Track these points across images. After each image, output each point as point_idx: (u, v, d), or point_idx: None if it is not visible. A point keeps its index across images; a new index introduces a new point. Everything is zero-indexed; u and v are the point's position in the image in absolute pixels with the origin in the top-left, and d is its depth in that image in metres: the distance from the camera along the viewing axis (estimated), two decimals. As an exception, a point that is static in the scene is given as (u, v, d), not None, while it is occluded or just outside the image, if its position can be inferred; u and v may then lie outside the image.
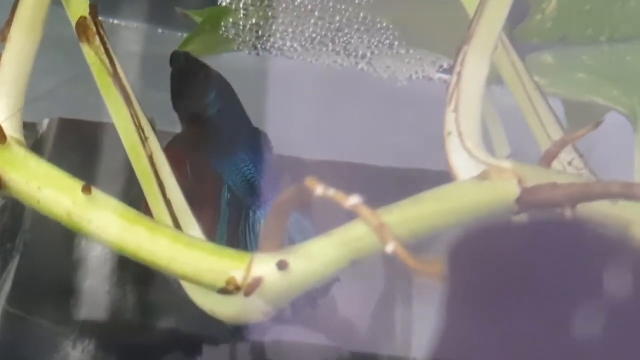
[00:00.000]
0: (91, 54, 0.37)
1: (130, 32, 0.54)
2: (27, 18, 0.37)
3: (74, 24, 0.38)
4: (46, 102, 0.56)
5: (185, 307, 0.37)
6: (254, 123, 0.53)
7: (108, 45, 0.37)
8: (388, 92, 0.55)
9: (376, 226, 0.28)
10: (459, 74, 0.34)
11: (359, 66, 0.53)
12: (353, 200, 0.28)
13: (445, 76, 0.53)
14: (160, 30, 0.55)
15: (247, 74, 0.55)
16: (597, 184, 0.29)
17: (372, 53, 0.50)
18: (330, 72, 0.54)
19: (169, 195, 0.36)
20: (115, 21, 0.54)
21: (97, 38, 0.37)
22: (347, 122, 0.58)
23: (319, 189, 0.29)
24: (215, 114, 0.47)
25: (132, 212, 0.33)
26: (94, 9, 0.38)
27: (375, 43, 0.49)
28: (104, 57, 0.37)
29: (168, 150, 0.47)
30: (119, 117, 0.37)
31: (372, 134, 0.59)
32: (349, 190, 0.61)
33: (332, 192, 0.29)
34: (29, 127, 0.57)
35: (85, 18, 0.38)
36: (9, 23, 0.37)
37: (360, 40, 0.49)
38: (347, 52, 0.51)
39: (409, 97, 0.55)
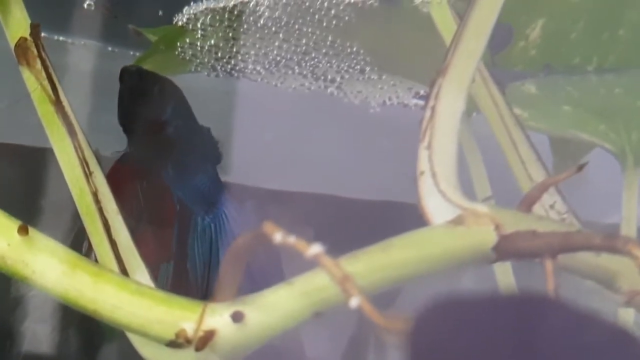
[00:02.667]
0: (32, 79, 0.37)
1: (79, 49, 0.54)
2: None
3: (12, 45, 0.38)
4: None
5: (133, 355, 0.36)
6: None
7: (50, 70, 0.37)
8: (360, 118, 0.56)
9: (339, 278, 0.28)
10: (433, 108, 0.35)
11: (329, 90, 0.53)
12: (314, 250, 0.28)
13: (422, 102, 0.53)
14: (110, 49, 0.55)
15: (207, 96, 0.55)
16: (578, 234, 0.29)
17: (342, 77, 0.51)
18: (297, 96, 0.54)
19: (114, 236, 0.36)
20: (62, 38, 0.53)
21: (38, 62, 0.37)
22: (315, 149, 0.58)
23: (278, 236, 0.29)
24: (173, 130, 0.48)
25: (73, 256, 0.33)
26: (35, 30, 0.38)
27: (345, 68, 0.49)
28: (46, 82, 0.37)
29: (117, 169, 0.48)
30: (61, 149, 0.37)
31: (343, 162, 0.59)
32: (316, 224, 0.61)
33: (292, 239, 0.28)
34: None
35: (25, 40, 0.38)
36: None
37: (329, 64, 0.49)
38: (315, 76, 0.51)
39: (383, 124, 0.56)
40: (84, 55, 0.54)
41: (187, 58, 0.50)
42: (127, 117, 0.49)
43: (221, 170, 0.56)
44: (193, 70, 0.51)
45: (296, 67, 0.50)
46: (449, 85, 0.35)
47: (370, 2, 0.44)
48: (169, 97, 0.49)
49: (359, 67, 0.49)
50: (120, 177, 0.48)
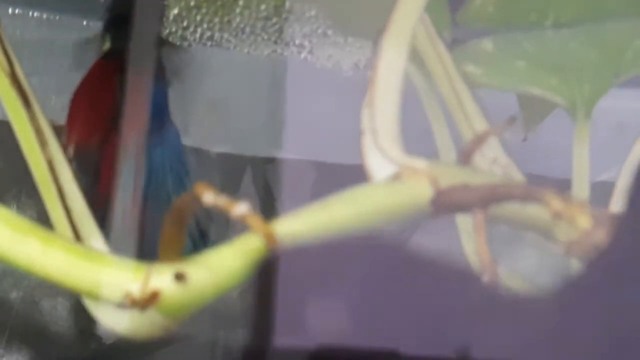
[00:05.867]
0: (-13, 53, 0.37)
1: (33, 20, 0.54)
2: None
3: (-31, 20, 0.38)
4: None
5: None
6: (198, 116, 0.54)
7: (5, 43, 0.37)
8: (334, 81, 0.55)
9: (264, 235, 0.28)
10: (374, 67, 0.34)
11: (302, 55, 0.53)
12: (240, 209, 0.28)
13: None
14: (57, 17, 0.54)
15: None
16: (501, 186, 0.29)
17: (310, 42, 0.50)
18: (272, 62, 0.54)
19: (69, 203, 0.36)
20: (18, 10, 0.53)
21: (-8, 36, 0.37)
22: (294, 114, 0.58)
23: (208, 196, 0.29)
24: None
25: (24, 223, 0.33)
26: (-10, 4, 0.38)
27: (309, 32, 0.49)
28: (1, 55, 0.37)
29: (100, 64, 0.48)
30: (17, 119, 0.37)
31: (324, 128, 0.59)
32: (291, 188, 0.61)
33: (221, 200, 0.28)
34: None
35: (-19, 15, 0.38)
36: None
37: (291, 29, 0.49)
38: (284, 42, 0.50)
39: (357, 87, 0.55)
40: (37, 25, 0.54)
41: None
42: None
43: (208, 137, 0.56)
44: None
45: (264, 34, 0.50)
46: (389, 43, 0.34)
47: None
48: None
49: (321, 30, 0.49)
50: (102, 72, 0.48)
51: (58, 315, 0.51)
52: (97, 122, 0.48)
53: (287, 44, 0.50)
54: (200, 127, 0.55)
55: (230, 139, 0.57)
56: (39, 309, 0.51)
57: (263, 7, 0.47)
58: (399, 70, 0.34)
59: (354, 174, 0.60)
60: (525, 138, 0.48)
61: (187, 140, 0.53)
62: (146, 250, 0.42)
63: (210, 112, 0.56)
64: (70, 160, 0.36)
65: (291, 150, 0.59)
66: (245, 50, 0.52)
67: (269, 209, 0.57)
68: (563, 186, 0.41)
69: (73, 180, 0.36)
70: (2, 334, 0.51)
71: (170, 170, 0.49)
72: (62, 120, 0.51)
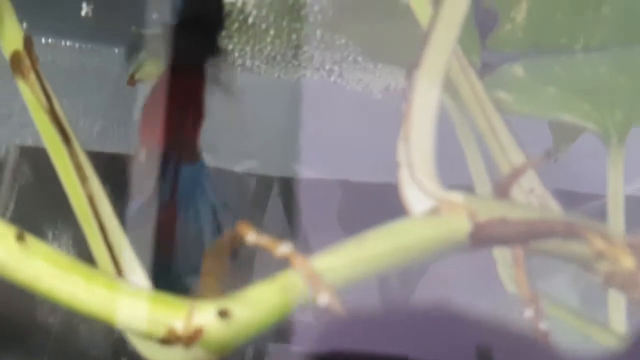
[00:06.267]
0: (27, 90, 0.38)
1: (65, 49, 0.54)
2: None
3: (8, 57, 0.38)
4: (3, 128, 0.56)
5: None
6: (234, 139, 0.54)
7: (44, 81, 0.38)
8: (364, 104, 0.56)
9: (308, 276, 0.28)
10: (409, 100, 0.34)
11: (332, 79, 0.53)
12: (283, 249, 0.28)
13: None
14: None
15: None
16: (541, 222, 0.29)
17: (340, 67, 0.51)
18: (302, 86, 0.54)
19: (110, 238, 0.36)
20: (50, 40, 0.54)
21: (32, 74, 0.38)
22: (324, 135, 0.58)
23: (251, 236, 0.29)
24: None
25: (67, 260, 0.33)
26: (28, 42, 0.38)
27: (339, 59, 0.49)
28: (40, 93, 0.38)
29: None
30: (57, 156, 0.37)
31: (352, 147, 0.59)
32: (328, 208, 0.61)
33: (264, 239, 0.29)
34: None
35: (19, 52, 0.38)
36: None
37: (322, 57, 0.49)
38: (314, 67, 0.51)
39: (387, 109, 0.56)
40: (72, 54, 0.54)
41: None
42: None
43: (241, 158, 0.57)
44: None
45: (294, 61, 0.50)
46: (422, 77, 0.35)
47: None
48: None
49: (351, 57, 0.49)
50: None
51: (96, 340, 0.52)
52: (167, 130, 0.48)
53: (317, 69, 0.51)
54: (230, 148, 0.55)
55: (259, 158, 0.58)
56: (77, 334, 0.52)
57: (294, 36, 0.48)
58: (433, 103, 0.34)
59: (383, 192, 0.60)
60: (555, 159, 0.48)
61: (217, 161, 0.53)
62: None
63: (239, 133, 0.56)
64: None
65: (319, 169, 0.59)
66: (276, 75, 0.52)
67: (294, 228, 0.58)
68: (591, 199, 0.42)
69: (113, 214, 0.37)
70: (41, 358, 0.52)
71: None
72: (93, 145, 0.52)
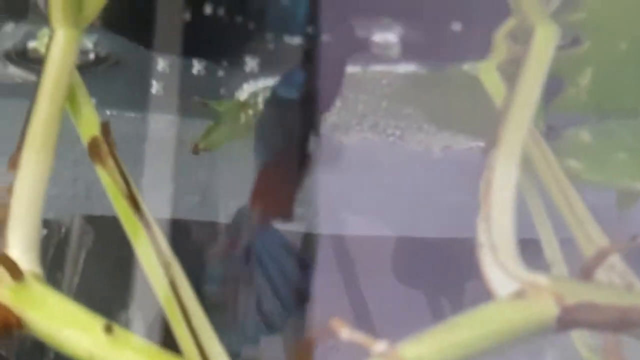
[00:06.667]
0: (105, 175, 0.38)
1: (126, 119, 0.55)
2: (38, 143, 0.38)
3: (85, 143, 0.39)
4: (69, 198, 0.57)
5: None
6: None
7: (122, 166, 0.38)
8: (423, 163, 0.56)
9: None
10: (488, 180, 0.35)
11: (390, 140, 0.54)
12: (380, 347, 0.28)
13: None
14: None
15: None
16: (636, 310, 0.29)
17: (402, 131, 0.51)
18: (362, 147, 0.55)
19: (194, 323, 0.36)
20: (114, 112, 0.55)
21: (110, 159, 0.38)
22: (383, 194, 0.58)
23: (345, 332, 0.29)
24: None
25: (155, 350, 0.34)
26: (105, 128, 0.39)
27: (403, 126, 0.50)
28: (119, 178, 0.38)
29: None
30: (137, 240, 0.38)
31: (411, 204, 0.59)
32: (393, 266, 0.61)
33: (358, 336, 0.29)
34: (51, 225, 0.58)
35: (97, 138, 0.39)
36: (19, 149, 0.38)
37: (386, 124, 0.50)
38: (376, 132, 0.51)
39: (447, 166, 0.56)
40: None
41: (251, 126, 0.51)
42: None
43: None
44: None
45: (357, 127, 0.50)
46: (501, 156, 0.35)
47: (419, 71, 0.44)
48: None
49: (416, 125, 0.49)
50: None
51: None
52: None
53: (378, 134, 0.51)
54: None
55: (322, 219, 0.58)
56: None
57: (360, 107, 0.48)
58: (513, 183, 0.34)
59: (447, 248, 0.60)
60: (619, 216, 0.48)
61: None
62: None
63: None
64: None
65: (373, 224, 0.59)
66: (337, 139, 0.52)
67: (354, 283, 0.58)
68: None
69: (195, 300, 0.37)
70: None
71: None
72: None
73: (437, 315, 0.61)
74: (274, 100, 0.46)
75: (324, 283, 0.58)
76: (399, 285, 0.61)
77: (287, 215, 0.47)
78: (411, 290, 0.61)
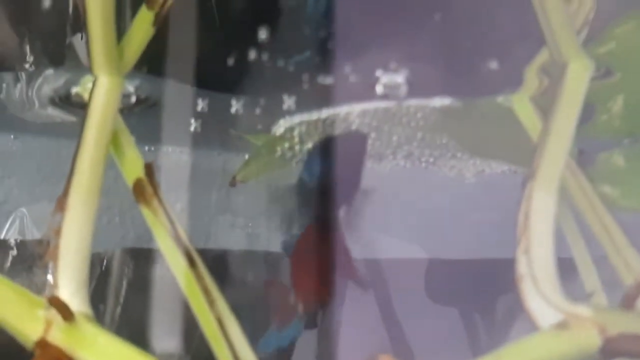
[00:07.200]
0: (150, 215, 0.39)
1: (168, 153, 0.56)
2: (84, 186, 0.39)
3: (130, 184, 0.40)
4: (111, 230, 0.58)
5: None
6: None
7: (167, 206, 0.39)
8: (456, 187, 0.56)
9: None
10: (527, 212, 0.35)
11: (423, 165, 0.54)
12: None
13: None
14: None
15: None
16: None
17: (434, 158, 0.52)
18: (394, 174, 0.55)
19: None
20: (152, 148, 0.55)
21: (155, 200, 0.39)
22: (417, 218, 0.59)
23: (394, 368, 0.30)
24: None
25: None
26: (149, 169, 0.40)
27: (437, 155, 0.50)
28: (164, 218, 0.39)
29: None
30: (184, 279, 0.38)
31: (443, 227, 0.60)
32: (426, 286, 0.61)
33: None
34: (92, 258, 0.59)
35: (141, 180, 0.39)
36: (66, 192, 0.39)
37: (421, 153, 0.50)
38: (410, 160, 0.52)
39: (479, 190, 0.56)
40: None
41: (287, 158, 0.51)
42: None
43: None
44: (295, 166, 0.52)
45: (390, 156, 0.51)
46: (539, 188, 0.35)
47: (454, 104, 0.45)
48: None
49: (450, 153, 0.50)
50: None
51: None
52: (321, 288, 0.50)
53: (412, 162, 0.52)
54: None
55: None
56: None
57: (395, 138, 0.49)
58: (551, 214, 0.35)
59: (478, 267, 0.60)
60: None
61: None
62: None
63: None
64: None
65: (406, 247, 0.60)
66: (369, 165, 0.53)
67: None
68: None
69: (242, 336, 0.38)
70: None
71: None
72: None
73: (471, 332, 0.62)
74: (300, 183, 0.47)
75: (359, 305, 0.58)
76: (432, 305, 0.62)
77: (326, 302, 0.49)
78: (445, 310, 0.62)
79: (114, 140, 0.40)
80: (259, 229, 0.58)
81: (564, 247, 0.43)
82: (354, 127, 0.48)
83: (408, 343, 0.60)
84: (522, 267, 0.35)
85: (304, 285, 0.49)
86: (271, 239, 0.57)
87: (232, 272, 0.55)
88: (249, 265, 0.56)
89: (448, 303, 0.61)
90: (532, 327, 0.35)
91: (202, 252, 0.40)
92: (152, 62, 0.44)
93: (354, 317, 0.57)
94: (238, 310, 0.38)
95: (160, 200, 0.39)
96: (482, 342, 0.61)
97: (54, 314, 0.36)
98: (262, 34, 0.44)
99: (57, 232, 0.38)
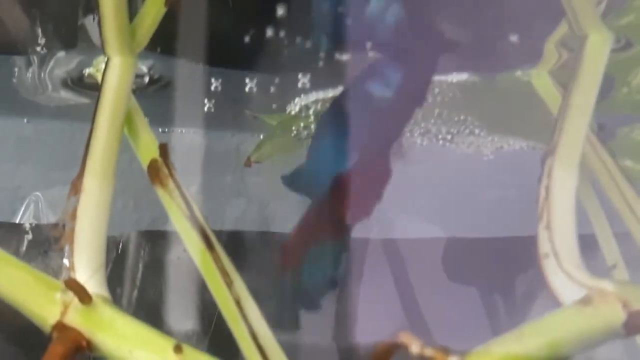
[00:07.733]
0: (166, 196, 0.39)
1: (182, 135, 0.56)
2: (99, 168, 0.38)
3: (145, 166, 0.39)
4: (126, 214, 0.58)
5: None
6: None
7: (182, 187, 0.39)
8: (474, 165, 0.56)
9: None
10: (547, 188, 0.35)
11: (441, 143, 0.54)
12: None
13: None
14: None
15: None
16: None
17: (452, 135, 0.51)
18: (411, 152, 0.55)
19: (261, 342, 0.37)
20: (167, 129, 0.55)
21: (170, 181, 0.39)
22: (433, 196, 0.58)
23: (415, 347, 0.29)
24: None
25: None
26: (164, 150, 0.39)
27: (455, 132, 0.50)
28: (180, 199, 0.38)
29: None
30: (201, 261, 0.38)
31: (463, 206, 0.59)
32: (444, 265, 0.61)
33: (429, 350, 0.29)
34: (108, 241, 0.59)
35: (156, 161, 0.39)
36: (80, 175, 0.39)
37: (438, 130, 0.50)
38: (427, 137, 0.51)
39: (498, 169, 0.56)
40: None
41: (303, 138, 0.51)
42: None
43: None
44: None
45: (407, 134, 0.50)
46: (560, 163, 0.35)
47: (471, 79, 0.44)
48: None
49: (468, 130, 0.49)
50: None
51: None
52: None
53: (429, 139, 0.51)
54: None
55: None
56: None
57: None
58: (573, 190, 0.34)
59: (503, 247, 0.60)
60: None
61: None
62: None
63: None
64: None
65: (425, 225, 0.59)
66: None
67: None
68: None
69: (261, 317, 0.37)
70: None
71: None
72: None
73: (490, 311, 0.61)
74: (366, 99, 0.45)
75: (377, 284, 0.58)
76: (451, 284, 0.61)
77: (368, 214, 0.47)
78: (463, 289, 0.61)
79: (128, 122, 0.40)
80: (275, 210, 0.58)
81: (585, 223, 0.43)
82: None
83: (427, 322, 0.60)
84: (543, 243, 0.34)
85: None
86: (287, 220, 0.57)
87: (247, 254, 0.54)
88: (264, 247, 0.56)
89: (467, 282, 0.61)
90: (552, 305, 0.34)
91: (217, 234, 0.39)
92: (165, 41, 0.44)
93: (372, 297, 0.56)
94: (254, 292, 0.38)
95: (175, 181, 0.39)
96: (501, 320, 0.61)
97: (71, 297, 0.35)
98: (280, 10, 0.43)
99: (73, 215, 0.38)
